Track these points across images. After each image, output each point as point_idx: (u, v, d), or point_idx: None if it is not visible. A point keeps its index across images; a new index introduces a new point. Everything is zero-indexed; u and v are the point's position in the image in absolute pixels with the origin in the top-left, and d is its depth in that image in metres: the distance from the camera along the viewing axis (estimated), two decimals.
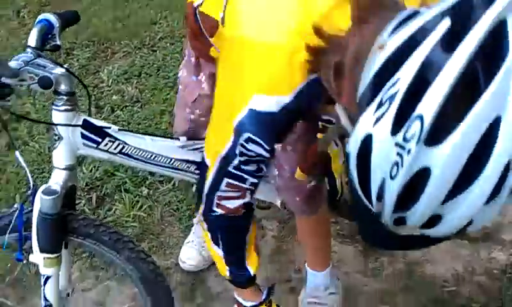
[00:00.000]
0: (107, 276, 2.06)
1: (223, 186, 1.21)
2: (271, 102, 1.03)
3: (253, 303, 1.43)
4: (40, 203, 1.36)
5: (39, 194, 1.36)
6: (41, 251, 1.40)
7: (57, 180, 1.39)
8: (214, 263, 2.04)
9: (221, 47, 1.18)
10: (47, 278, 1.46)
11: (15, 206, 1.42)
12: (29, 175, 1.40)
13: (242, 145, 1.10)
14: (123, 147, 1.44)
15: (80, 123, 1.37)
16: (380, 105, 0.71)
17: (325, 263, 1.82)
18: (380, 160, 0.71)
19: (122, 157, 1.45)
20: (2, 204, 2.33)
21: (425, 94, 0.67)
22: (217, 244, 1.33)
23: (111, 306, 1.98)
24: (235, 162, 1.15)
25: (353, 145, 0.74)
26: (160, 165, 1.50)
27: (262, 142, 1.09)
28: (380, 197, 0.72)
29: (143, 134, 1.47)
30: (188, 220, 2.20)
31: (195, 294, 1.98)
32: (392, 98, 0.70)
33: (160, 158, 1.49)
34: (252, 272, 1.38)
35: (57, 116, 1.35)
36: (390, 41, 0.73)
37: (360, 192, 0.77)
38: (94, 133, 1.40)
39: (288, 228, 2.18)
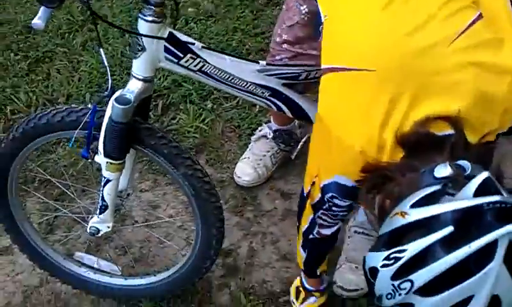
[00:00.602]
0: (165, 181, 2.16)
1: (317, 218, 1.46)
2: (350, 180, 1.26)
3: (311, 288, 1.75)
4: (112, 110, 1.39)
5: (112, 100, 1.38)
6: (105, 155, 1.45)
7: (132, 89, 1.41)
8: (267, 181, 2.11)
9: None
10: (107, 181, 1.51)
11: (89, 105, 1.47)
12: (109, 76, 1.43)
13: (327, 200, 1.35)
14: (204, 65, 1.44)
15: (165, 36, 1.38)
16: (388, 258, 1.00)
17: None
18: (381, 287, 1.02)
19: (200, 75, 1.47)
20: (73, 101, 2.44)
21: (419, 270, 0.96)
22: (304, 249, 1.60)
23: (164, 209, 2.07)
24: (325, 206, 1.38)
25: (367, 262, 1.05)
26: (236, 87, 1.50)
27: (343, 200, 1.33)
28: (379, 300, 1.04)
29: (224, 54, 1.48)
30: (247, 138, 2.25)
31: (245, 208, 2.06)
32: (397, 260, 0.99)
33: (237, 80, 1.49)
34: (319, 272, 1.70)
35: (144, 26, 1.36)
36: (409, 215, 1.00)
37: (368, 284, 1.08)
38: (177, 48, 1.41)
39: None
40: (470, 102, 1.12)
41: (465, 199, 0.97)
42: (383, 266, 1.01)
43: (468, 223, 0.95)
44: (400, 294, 0.99)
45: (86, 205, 1.84)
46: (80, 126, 1.47)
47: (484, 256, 0.94)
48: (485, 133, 1.17)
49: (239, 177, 2.10)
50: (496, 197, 0.96)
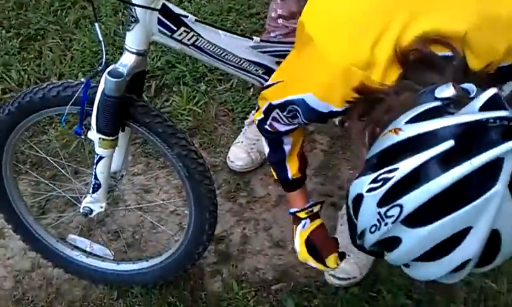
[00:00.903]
0: (157, 165, 2.14)
1: (270, 119, 1.35)
2: (322, 105, 1.13)
3: (295, 209, 1.54)
4: (104, 83, 1.37)
5: (105, 74, 1.37)
6: (98, 130, 1.43)
7: (125, 63, 1.39)
8: (260, 166, 2.10)
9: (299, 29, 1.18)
10: (100, 158, 1.50)
11: (82, 79, 1.45)
12: (103, 50, 1.40)
13: (288, 111, 1.24)
14: (197, 39, 1.42)
15: (158, 7, 1.35)
16: (376, 180, 0.88)
17: None
18: (365, 218, 0.90)
19: (194, 50, 1.45)
20: (65, 80, 2.41)
21: (410, 193, 0.84)
22: (265, 139, 1.46)
23: (156, 193, 2.06)
24: (282, 113, 1.28)
25: (351, 191, 0.93)
26: (229, 64, 1.49)
27: (303, 118, 1.22)
28: (361, 237, 0.93)
29: (218, 29, 1.45)
30: (241, 121, 2.23)
31: (238, 194, 2.05)
32: (386, 181, 0.86)
33: (230, 56, 1.47)
34: (290, 174, 1.48)
35: None
36: (403, 131, 0.88)
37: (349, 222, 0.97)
38: (171, 20, 1.39)
39: (339, 144, 2.19)
40: (474, 23, 1.03)
41: (469, 113, 0.85)
42: (369, 190, 0.88)
43: (471, 138, 0.83)
44: (386, 224, 0.87)
45: (79, 187, 1.83)
46: (72, 101, 1.45)
47: (486, 177, 0.82)
48: (489, 63, 1.04)
49: (232, 162, 2.08)
50: (504, 113, 0.83)
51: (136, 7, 1.34)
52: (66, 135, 2.22)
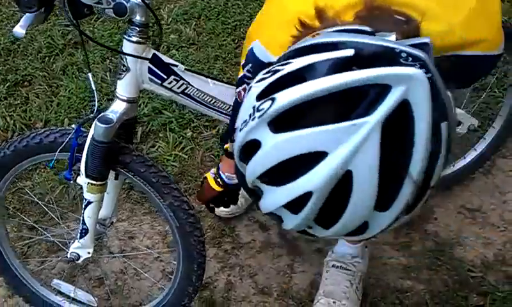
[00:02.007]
0: (142, 211, 2.12)
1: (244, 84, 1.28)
2: (264, 53, 1.11)
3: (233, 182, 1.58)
4: (94, 129, 1.39)
5: (95, 120, 1.38)
6: (87, 175, 1.44)
7: (116, 110, 1.41)
8: (245, 212, 2.09)
9: None
10: (88, 203, 1.50)
11: (73, 126, 1.46)
12: (96, 98, 1.42)
13: (247, 71, 1.18)
14: (187, 87, 1.45)
15: (149, 56, 1.39)
16: (269, 71, 0.82)
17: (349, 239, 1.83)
18: (243, 112, 0.83)
19: (183, 97, 1.48)
20: (51, 126, 2.41)
21: (290, 88, 0.77)
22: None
23: (140, 239, 2.04)
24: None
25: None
26: (218, 110, 1.52)
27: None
28: (231, 136, 0.88)
29: (206, 77, 1.48)
30: None
31: (223, 240, 2.03)
32: (275, 72, 0.80)
33: (219, 103, 1.50)
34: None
35: (128, 47, 1.37)
36: (320, 36, 0.83)
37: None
38: (161, 69, 1.42)
39: None
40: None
41: (389, 41, 0.79)
42: (258, 81, 0.82)
43: (374, 57, 0.77)
44: (253, 119, 0.80)
45: (61, 232, 1.81)
46: (61, 146, 1.46)
47: (368, 102, 0.74)
48: (445, 45, 1.02)
49: (217, 207, 2.07)
50: (422, 55, 0.76)
51: (127, 57, 1.37)
52: (50, 181, 2.20)
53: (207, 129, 2.37)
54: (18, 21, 1.33)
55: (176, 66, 1.43)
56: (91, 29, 2.83)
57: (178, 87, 1.45)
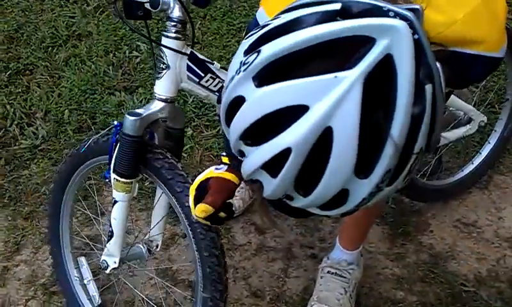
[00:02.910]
0: (138, 207, 2.12)
1: None
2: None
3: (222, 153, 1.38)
4: (124, 122, 1.40)
5: (126, 114, 1.40)
6: (113, 170, 1.44)
7: (150, 107, 1.42)
8: (242, 214, 2.09)
9: None
10: (115, 202, 1.49)
11: (115, 122, 1.46)
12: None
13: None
14: (222, 86, 1.46)
15: (188, 53, 1.40)
16: (257, 27, 0.80)
17: (358, 244, 1.82)
18: (231, 68, 0.82)
19: (200, 88, 1.47)
20: (51, 117, 2.41)
21: (276, 39, 0.75)
22: None
23: (136, 235, 2.03)
24: None
25: None
26: None
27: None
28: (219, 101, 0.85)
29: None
30: None
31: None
32: (264, 26, 0.79)
33: None
34: None
35: (168, 43, 1.39)
36: None
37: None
38: (199, 66, 1.43)
39: None
40: None
41: (379, 1, 0.76)
42: (248, 36, 0.81)
43: (361, 11, 0.75)
44: (239, 72, 0.78)
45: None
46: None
47: (347, 54, 0.73)
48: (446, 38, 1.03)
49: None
50: (411, 16, 0.74)
51: (167, 55, 1.38)
52: (47, 171, 2.20)
53: (207, 129, 2.38)
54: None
55: (213, 63, 1.45)
56: (96, 22, 2.83)
57: (215, 86, 1.46)
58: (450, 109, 1.95)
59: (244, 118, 0.79)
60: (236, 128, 0.81)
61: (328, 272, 1.84)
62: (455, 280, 1.92)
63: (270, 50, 0.76)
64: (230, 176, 1.32)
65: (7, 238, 2.00)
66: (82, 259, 1.79)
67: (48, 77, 2.59)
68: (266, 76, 0.76)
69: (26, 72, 2.62)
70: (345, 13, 0.75)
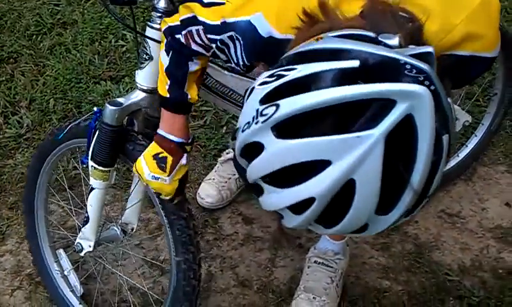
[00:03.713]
0: (125, 197, 2.11)
1: (185, 31, 1.23)
2: (267, 29, 1.07)
3: (180, 140, 1.37)
4: (104, 111, 1.39)
5: (106, 103, 1.39)
6: (91, 158, 1.44)
7: (130, 97, 1.41)
8: (229, 204, 2.09)
9: None
10: (92, 189, 1.49)
11: (95, 108, 1.46)
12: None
13: (228, 37, 1.13)
14: (206, 78, 1.45)
15: None
16: (272, 75, 0.83)
17: (344, 235, 1.84)
18: (246, 113, 0.85)
19: (203, 89, 1.47)
20: (35, 106, 2.39)
21: (295, 96, 0.78)
22: (167, 52, 1.29)
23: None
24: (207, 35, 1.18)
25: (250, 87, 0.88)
26: (235, 103, 1.51)
27: (243, 46, 1.12)
28: (234, 135, 0.89)
29: (224, 69, 1.48)
30: (213, 159, 2.23)
31: (206, 230, 2.03)
32: (279, 77, 0.81)
33: (236, 95, 1.50)
34: (190, 96, 1.33)
35: (152, 33, 1.37)
36: (323, 40, 0.84)
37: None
38: None
39: None
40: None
41: (394, 52, 0.79)
42: (262, 83, 0.84)
43: (379, 70, 0.78)
44: (257, 122, 0.81)
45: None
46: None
47: (369, 116, 0.76)
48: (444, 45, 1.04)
49: (202, 198, 2.07)
50: (425, 66, 0.78)
51: (151, 46, 1.37)
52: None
53: (194, 119, 2.37)
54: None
55: None
56: (81, 10, 2.81)
57: None
58: None
59: (265, 166, 0.83)
60: (256, 171, 0.85)
61: (315, 261, 1.85)
62: (439, 269, 1.95)
63: (289, 107, 0.79)
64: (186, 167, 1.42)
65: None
66: (61, 251, 1.80)
67: (32, 66, 2.56)
68: (286, 129, 0.80)
69: (10, 60, 2.59)
70: (364, 72, 0.78)
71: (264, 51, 1.10)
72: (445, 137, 0.81)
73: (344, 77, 0.78)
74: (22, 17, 2.78)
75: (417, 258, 1.98)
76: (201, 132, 2.32)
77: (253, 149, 0.84)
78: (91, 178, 1.47)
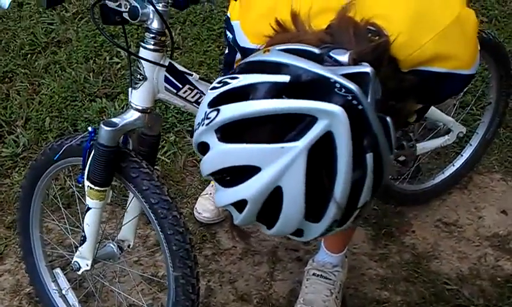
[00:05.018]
0: (123, 214, 2.11)
1: None
2: (242, 39, 1.17)
3: None
4: (99, 131, 1.39)
5: (101, 123, 1.39)
6: (87, 178, 1.44)
7: (125, 117, 1.41)
8: (226, 219, 2.10)
9: None
10: (88, 209, 1.49)
11: (89, 128, 1.46)
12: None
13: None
14: (200, 97, 1.45)
15: (166, 64, 1.38)
16: (220, 81, 0.91)
17: (342, 247, 1.84)
18: (199, 113, 0.93)
19: (196, 107, 1.45)
20: (31, 125, 2.39)
21: (233, 103, 0.87)
22: None
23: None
24: None
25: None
26: None
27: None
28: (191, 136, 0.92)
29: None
30: None
31: (204, 245, 2.03)
32: (224, 84, 0.90)
33: None
34: None
35: (146, 54, 1.37)
36: (270, 54, 0.91)
37: None
38: (177, 78, 1.41)
39: None
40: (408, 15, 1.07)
41: (328, 70, 0.86)
42: (212, 88, 0.92)
43: (308, 87, 0.85)
44: (203, 124, 0.90)
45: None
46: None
47: (294, 129, 0.83)
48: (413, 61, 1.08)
49: (199, 213, 2.08)
50: (354, 87, 0.83)
51: (145, 66, 1.37)
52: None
53: (190, 134, 2.38)
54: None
55: (191, 75, 1.43)
56: (75, 28, 2.82)
57: (193, 97, 1.44)
58: (429, 119, 1.98)
59: (209, 165, 0.92)
60: (204, 168, 0.94)
61: (314, 274, 1.86)
62: (438, 279, 1.95)
63: (228, 113, 0.87)
64: None
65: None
66: (58, 271, 1.79)
67: (28, 85, 2.57)
68: (228, 133, 0.88)
69: (5, 80, 2.60)
70: (292, 88, 0.85)
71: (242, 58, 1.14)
72: (369, 155, 0.86)
73: (274, 91, 0.86)
74: (17, 36, 2.79)
75: (415, 268, 1.99)
76: None
77: (203, 148, 0.92)
78: (87, 198, 1.47)
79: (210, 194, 2.09)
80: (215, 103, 0.89)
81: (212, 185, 2.11)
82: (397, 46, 1.02)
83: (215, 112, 0.88)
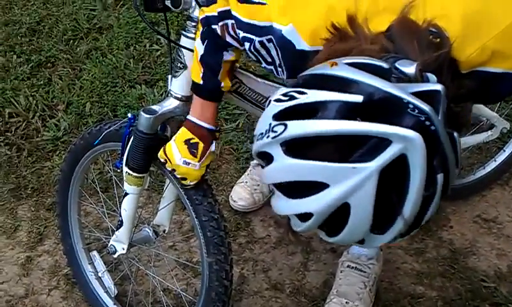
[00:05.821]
0: (159, 199, 2.13)
1: (221, 23, 1.25)
2: (299, 41, 1.10)
3: (212, 127, 1.39)
4: (138, 118, 1.41)
5: (141, 110, 1.41)
6: (126, 164, 1.46)
7: (164, 104, 1.42)
8: (262, 207, 2.10)
9: None
10: (125, 194, 1.51)
11: (129, 114, 1.48)
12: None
13: (260, 42, 1.16)
14: (239, 86, 1.45)
15: None
16: (286, 94, 0.90)
17: None
18: (261, 123, 0.92)
19: (235, 96, 1.47)
20: (72, 109, 2.43)
21: (301, 119, 0.86)
22: (202, 41, 1.31)
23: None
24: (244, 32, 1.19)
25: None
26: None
27: (279, 58, 1.16)
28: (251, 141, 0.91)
29: (257, 76, 1.47)
30: (245, 162, 2.24)
31: (238, 233, 2.04)
32: (291, 99, 0.89)
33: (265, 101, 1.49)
34: (223, 85, 1.35)
35: (186, 42, 1.38)
36: (337, 67, 0.89)
37: None
38: None
39: None
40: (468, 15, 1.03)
41: (399, 89, 0.84)
42: (277, 100, 0.91)
43: (381, 108, 0.84)
44: (268, 137, 0.90)
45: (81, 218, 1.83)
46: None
47: (367, 150, 0.83)
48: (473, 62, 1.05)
49: (234, 201, 2.08)
50: (427, 108, 0.82)
51: (185, 54, 1.38)
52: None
53: (227, 122, 2.38)
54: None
55: None
56: (117, 15, 2.85)
57: (232, 86, 1.43)
58: (472, 114, 1.94)
59: (274, 176, 0.93)
60: (267, 178, 0.94)
61: (348, 266, 1.84)
62: (475, 276, 1.92)
63: (296, 130, 0.87)
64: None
65: (30, 228, 2.02)
66: (95, 253, 1.83)
67: (69, 70, 2.61)
68: (294, 148, 0.88)
69: (48, 65, 2.65)
70: (365, 108, 0.84)
71: (298, 62, 1.11)
72: (440, 176, 0.87)
73: (346, 111, 0.85)
74: (60, 22, 2.83)
75: (452, 264, 1.95)
76: (234, 136, 2.33)
77: (266, 157, 0.92)
78: (125, 184, 1.49)
79: (246, 182, 2.09)
80: (281, 117, 0.89)
81: (248, 174, 2.12)
82: (458, 47, 1.00)
83: (282, 127, 0.88)
